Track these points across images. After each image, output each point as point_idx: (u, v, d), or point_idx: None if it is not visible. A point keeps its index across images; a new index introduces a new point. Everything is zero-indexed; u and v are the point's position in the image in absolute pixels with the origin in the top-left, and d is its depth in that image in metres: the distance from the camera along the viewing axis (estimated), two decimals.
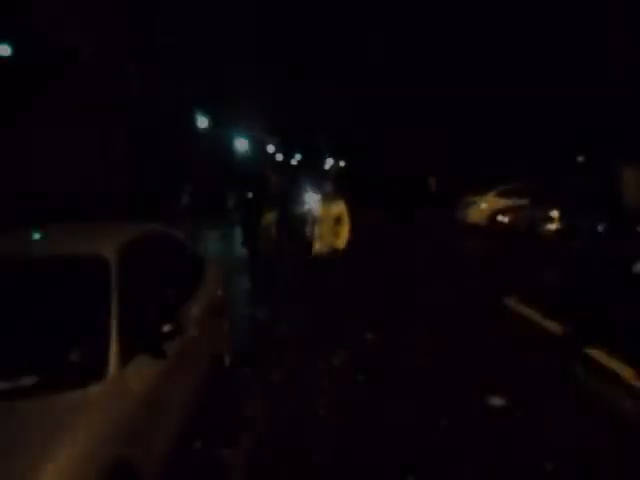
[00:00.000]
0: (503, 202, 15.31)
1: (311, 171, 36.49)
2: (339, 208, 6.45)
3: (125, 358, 2.42)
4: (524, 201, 14.32)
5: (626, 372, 4.35)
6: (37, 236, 3.41)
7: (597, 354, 4.78)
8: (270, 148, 43.43)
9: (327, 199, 6.58)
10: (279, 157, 46.72)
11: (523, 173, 16.92)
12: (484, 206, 16.05)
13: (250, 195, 7.91)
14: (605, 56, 16.17)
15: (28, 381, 2.18)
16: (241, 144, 33.41)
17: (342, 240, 6.37)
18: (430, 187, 25.92)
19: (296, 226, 6.47)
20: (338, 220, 6.38)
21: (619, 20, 15.70)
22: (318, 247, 6.50)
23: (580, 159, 18.23)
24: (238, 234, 7.02)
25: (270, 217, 7.25)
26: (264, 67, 37.73)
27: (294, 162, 54.02)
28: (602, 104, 15.45)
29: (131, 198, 16.34)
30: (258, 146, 38.51)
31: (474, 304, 7.10)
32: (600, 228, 7.76)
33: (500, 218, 14.58)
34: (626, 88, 14.58)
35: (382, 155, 37.08)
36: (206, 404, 3.64)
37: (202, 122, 25.42)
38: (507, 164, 19.50)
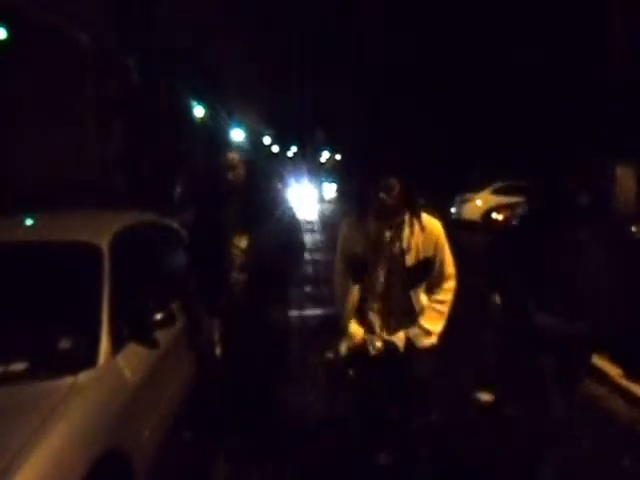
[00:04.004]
0: (498, 199, 15.31)
1: (306, 163, 35.98)
2: (432, 236, 2.62)
3: (116, 346, 2.43)
4: (520, 199, 14.32)
5: (613, 371, 4.38)
6: (30, 223, 3.40)
7: None
8: (266, 139, 43.35)
9: (384, 210, 2.50)
10: (275, 149, 46.72)
11: (522, 171, 16.91)
12: (479, 203, 16.05)
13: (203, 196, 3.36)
14: (604, 55, 16.17)
15: (18, 367, 2.18)
16: (237, 135, 33.27)
17: (439, 323, 2.70)
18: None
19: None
20: (425, 270, 2.65)
21: (619, 20, 15.70)
22: (350, 344, 2.58)
23: (576, 159, 18.27)
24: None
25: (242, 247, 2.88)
26: (263, 58, 37.53)
27: (290, 154, 54.00)
28: (600, 104, 15.47)
29: (129, 189, 16.28)
30: (254, 137, 38.32)
31: (461, 301, 7.09)
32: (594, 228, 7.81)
33: (495, 215, 14.57)
34: (623, 86, 14.60)
35: (382, 149, 36.97)
36: (197, 394, 3.63)
37: (199, 112, 25.31)
38: (507, 162, 19.50)
